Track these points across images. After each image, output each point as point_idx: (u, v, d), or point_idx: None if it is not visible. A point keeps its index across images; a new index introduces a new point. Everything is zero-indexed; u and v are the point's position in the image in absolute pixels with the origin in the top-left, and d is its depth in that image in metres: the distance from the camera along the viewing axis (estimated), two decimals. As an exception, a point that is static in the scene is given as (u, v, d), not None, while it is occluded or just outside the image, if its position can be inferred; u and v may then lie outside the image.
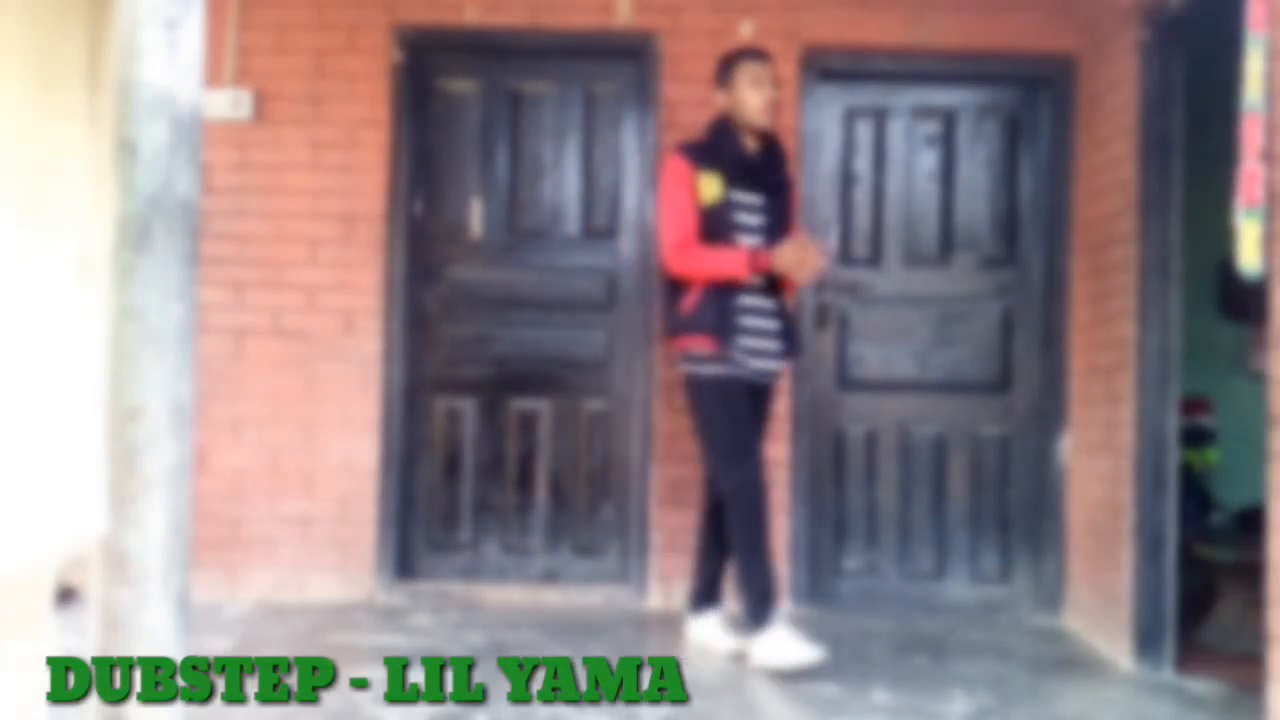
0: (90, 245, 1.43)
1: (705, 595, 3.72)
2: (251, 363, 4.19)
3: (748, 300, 3.49)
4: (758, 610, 3.38)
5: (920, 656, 3.63)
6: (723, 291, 3.46)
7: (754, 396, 3.54)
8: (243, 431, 4.19)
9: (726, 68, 3.59)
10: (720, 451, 3.46)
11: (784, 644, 3.33)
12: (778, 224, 3.57)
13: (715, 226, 3.49)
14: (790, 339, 3.61)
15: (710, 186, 3.50)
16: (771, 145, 3.62)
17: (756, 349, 3.50)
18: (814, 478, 4.29)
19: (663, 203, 3.56)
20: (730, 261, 3.44)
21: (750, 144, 3.57)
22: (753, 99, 3.53)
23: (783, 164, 3.63)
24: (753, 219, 3.53)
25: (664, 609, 4.17)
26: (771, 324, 3.55)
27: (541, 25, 4.27)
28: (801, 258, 3.43)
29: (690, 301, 3.48)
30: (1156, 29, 3.56)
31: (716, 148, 3.55)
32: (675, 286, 3.55)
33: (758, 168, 3.55)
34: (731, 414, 3.46)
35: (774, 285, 3.56)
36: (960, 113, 4.37)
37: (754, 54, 3.61)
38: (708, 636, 3.66)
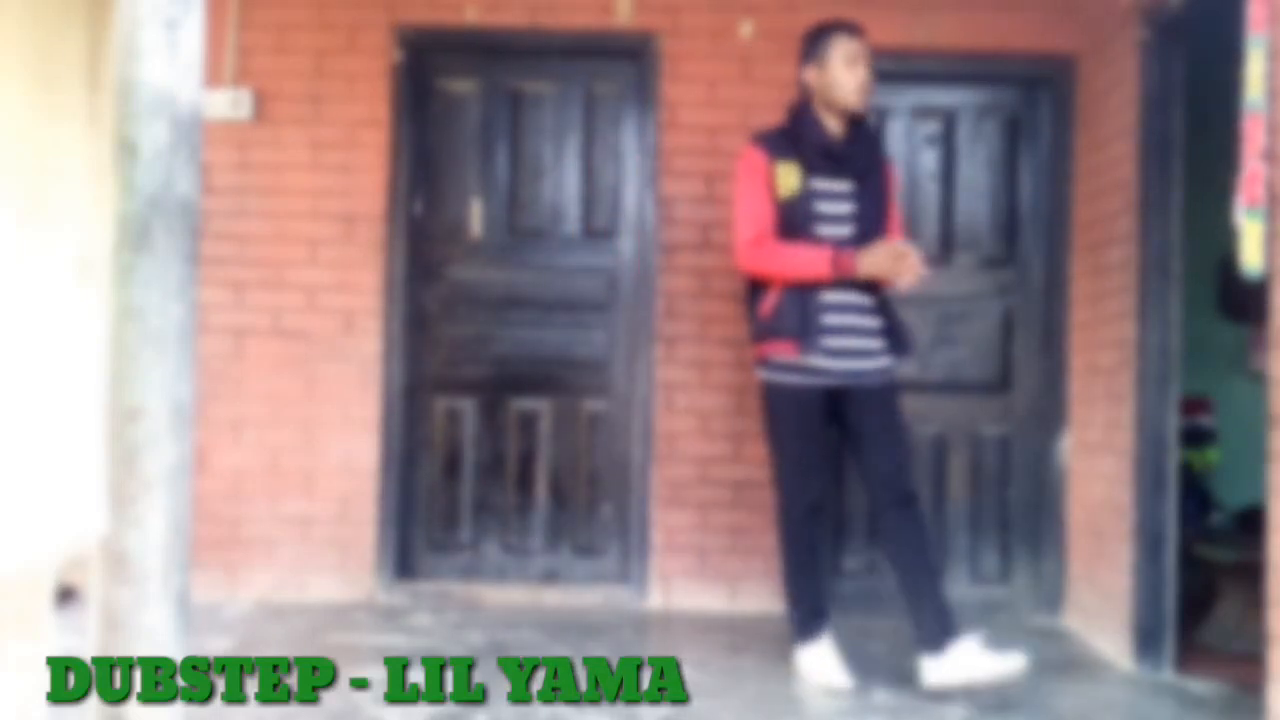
0: (90, 245, 1.43)
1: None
2: (251, 363, 4.19)
3: (834, 297, 3.22)
4: (794, 627, 3.34)
5: (920, 656, 3.62)
6: (805, 290, 3.19)
7: (856, 404, 3.26)
8: (243, 431, 4.19)
9: (816, 42, 3.32)
10: (782, 468, 3.31)
11: (816, 664, 3.28)
12: (870, 212, 3.28)
13: (796, 219, 3.23)
14: (895, 335, 3.31)
15: (789, 177, 3.24)
16: (862, 127, 3.34)
17: (847, 349, 3.23)
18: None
19: (736, 198, 3.32)
20: (812, 262, 3.18)
21: (835, 127, 3.30)
22: (848, 79, 3.25)
23: (874, 147, 3.37)
24: (840, 208, 3.26)
25: (664, 609, 4.17)
26: (868, 321, 3.27)
27: (541, 25, 4.27)
28: (895, 266, 3.16)
29: (769, 304, 3.24)
30: (1156, 29, 3.56)
31: (795, 134, 3.29)
32: (755, 288, 3.32)
33: (844, 153, 3.27)
34: (801, 430, 3.26)
35: (870, 281, 3.26)
36: (960, 113, 4.36)
37: (849, 28, 3.31)
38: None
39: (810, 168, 3.26)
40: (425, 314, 4.33)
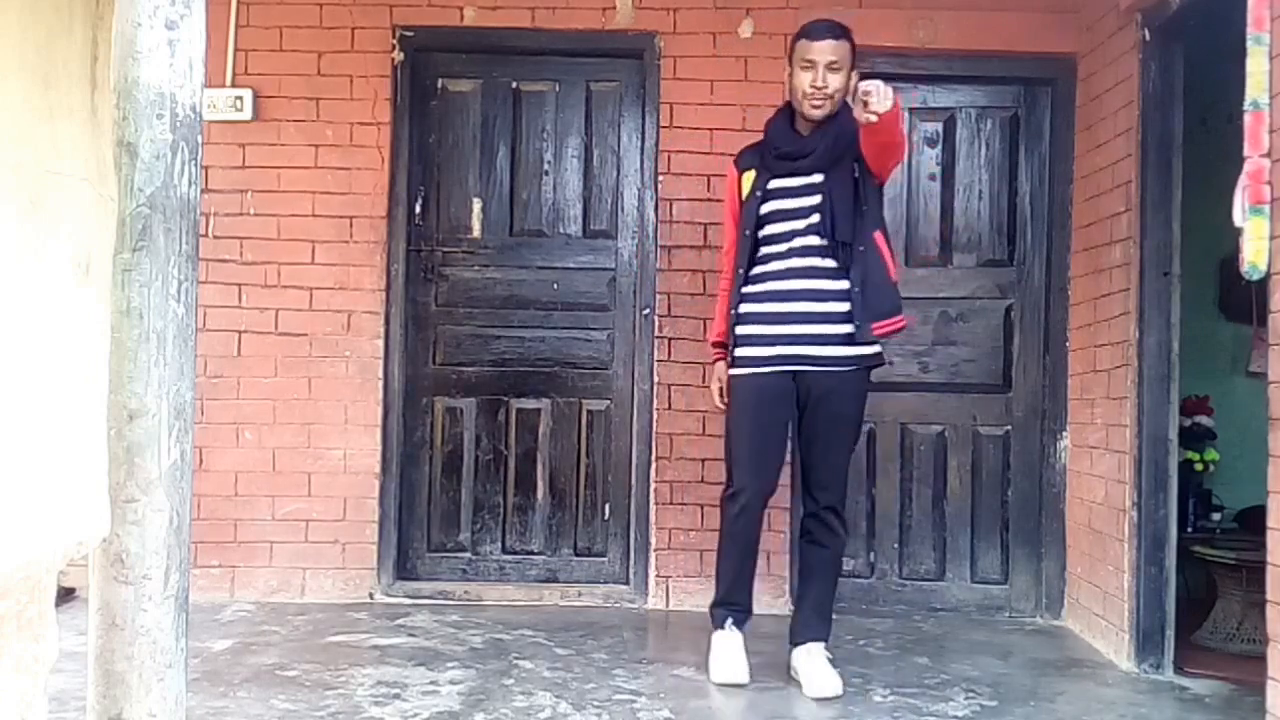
0: (90, 245, 1.42)
1: (806, 623, 3.32)
2: (251, 363, 4.19)
3: (784, 285, 3.22)
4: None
5: (920, 656, 3.63)
6: (744, 280, 3.27)
7: (808, 397, 3.22)
8: (243, 431, 4.18)
9: (791, 45, 3.30)
10: (726, 457, 3.37)
11: (714, 652, 3.31)
12: (837, 202, 3.18)
13: (748, 220, 3.28)
14: (861, 316, 3.17)
15: (748, 183, 3.31)
16: (832, 120, 3.22)
17: (784, 336, 3.21)
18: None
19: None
20: (713, 326, 3.48)
21: (804, 126, 3.25)
22: (800, 82, 3.21)
23: (838, 139, 3.19)
24: (802, 202, 3.22)
25: (664, 609, 4.16)
26: (827, 306, 3.20)
27: (541, 25, 4.26)
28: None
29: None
30: (1156, 29, 3.56)
31: (763, 140, 3.35)
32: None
33: (799, 149, 3.23)
34: (743, 422, 3.25)
35: (844, 256, 3.18)
36: (960, 113, 4.36)
37: (812, 32, 3.24)
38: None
39: (769, 169, 3.28)
40: (425, 314, 4.33)
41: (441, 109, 4.36)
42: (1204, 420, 4.69)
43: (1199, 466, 4.62)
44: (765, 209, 3.27)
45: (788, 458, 3.51)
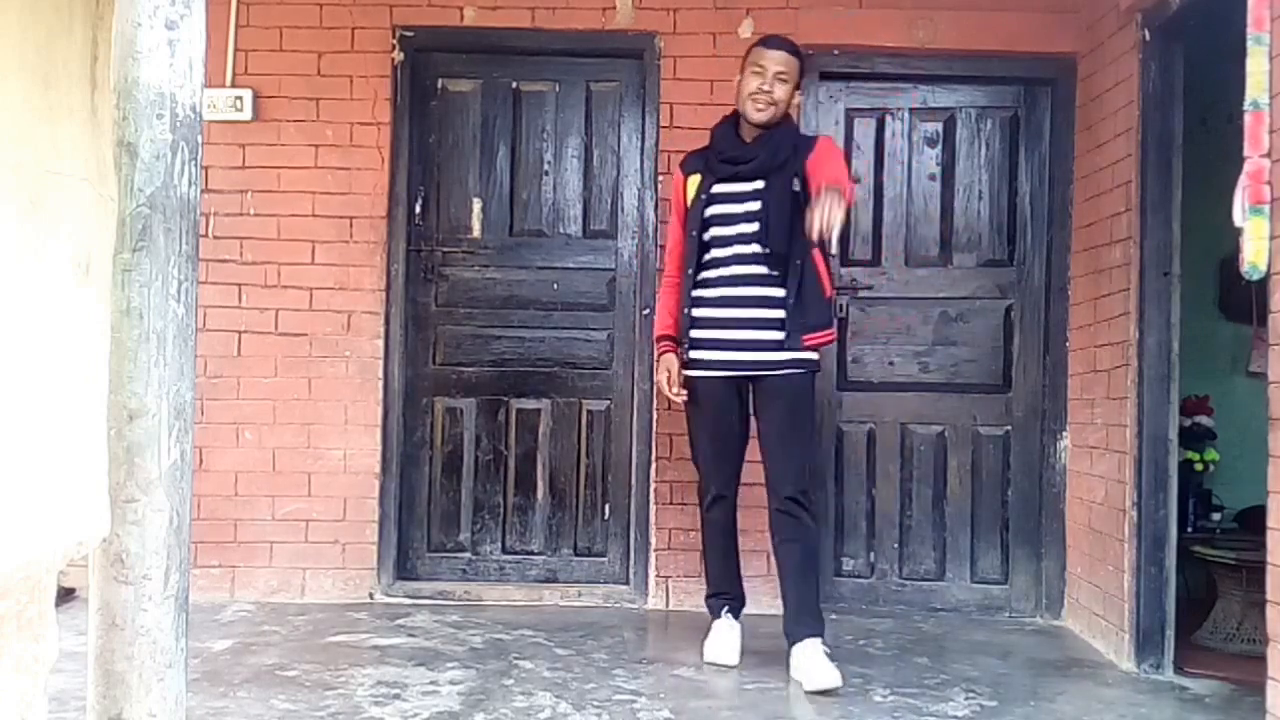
0: (90, 245, 1.42)
1: (796, 620, 3.36)
2: (251, 363, 4.19)
3: (723, 292, 3.36)
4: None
5: (920, 656, 3.63)
6: (687, 293, 3.41)
7: (759, 400, 3.39)
8: (243, 431, 4.18)
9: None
10: (692, 455, 3.56)
11: (710, 640, 3.47)
12: (775, 210, 3.30)
13: (692, 225, 3.42)
14: (795, 324, 3.29)
15: (692, 188, 3.46)
16: (777, 128, 3.39)
17: (737, 340, 3.34)
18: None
19: None
20: (657, 321, 3.56)
21: (750, 131, 3.40)
22: (745, 87, 3.38)
23: (781, 146, 3.35)
24: (744, 207, 3.35)
25: (664, 609, 4.16)
26: (767, 313, 3.31)
27: (541, 25, 4.26)
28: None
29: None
30: (1156, 29, 3.56)
31: (709, 145, 3.50)
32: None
33: (742, 155, 3.38)
34: (700, 421, 3.46)
35: (780, 265, 3.31)
36: (960, 113, 4.36)
37: (769, 41, 3.44)
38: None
39: (714, 174, 3.41)
40: (425, 314, 4.33)
41: (441, 109, 4.36)
42: (1204, 420, 4.68)
43: (1199, 466, 4.62)
44: (709, 212, 3.41)
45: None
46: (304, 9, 4.23)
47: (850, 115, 4.37)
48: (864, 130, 4.37)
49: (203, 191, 1.86)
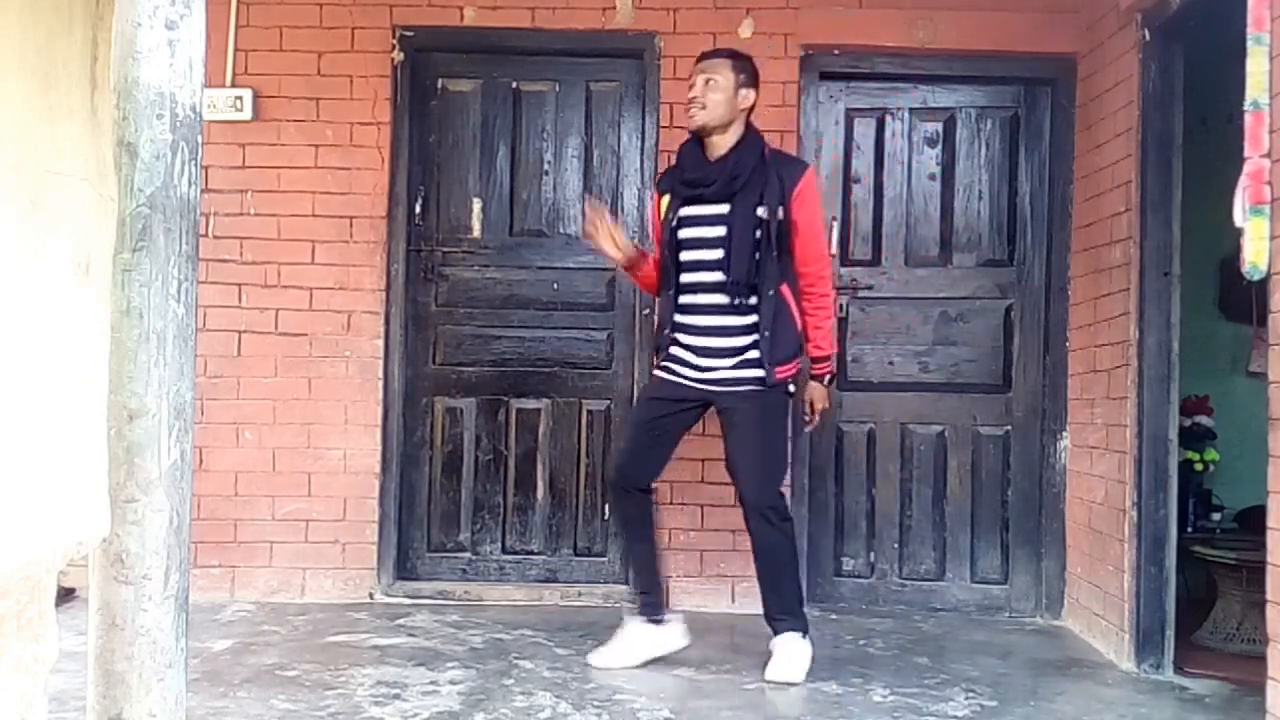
0: (90, 245, 1.42)
1: (774, 618, 3.43)
2: (251, 363, 4.19)
3: (695, 319, 3.36)
4: None
5: (920, 656, 3.63)
6: (664, 308, 3.44)
7: (721, 416, 3.38)
8: (243, 431, 4.18)
9: None
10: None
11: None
12: (738, 235, 3.27)
13: (667, 247, 3.40)
14: (768, 353, 3.28)
15: (664, 207, 3.43)
16: (739, 149, 3.34)
17: (704, 363, 3.35)
18: (814, 478, 4.28)
19: None
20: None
21: (712, 152, 3.36)
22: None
23: (741, 169, 3.31)
24: (713, 231, 3.31)
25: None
26: (735, 341, 3.30)
27: (541, 25, 4.26)
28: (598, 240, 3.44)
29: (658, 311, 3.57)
30: (1156, 29, 3.56)
31: (676, 164, 3.49)
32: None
33: (700, 178, 3.34)
34: (640, 417, 3.50)
35: (744, 294, 3.30)
36: (960, 113, 4.36)
37: (708, 53, 3.47)
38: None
39: (680, 196, 3.39)
40: (425, 314, 4.33)
41: (441, 109, 4.36)
42: (1204, 420, 4.68)
43: (1199, 466, 4.62)
44: (681, 235, 3.38)
45: (672, 460, 3.58)
46: (304, 9, 4.23)
47: (850, 115, 4.37)
48: (864, 130, 4.37)
49: (203, 191, 1.86)
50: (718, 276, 3.30)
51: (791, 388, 3.38)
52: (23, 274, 1.28)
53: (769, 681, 3.24)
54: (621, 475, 3.43)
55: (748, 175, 3.30)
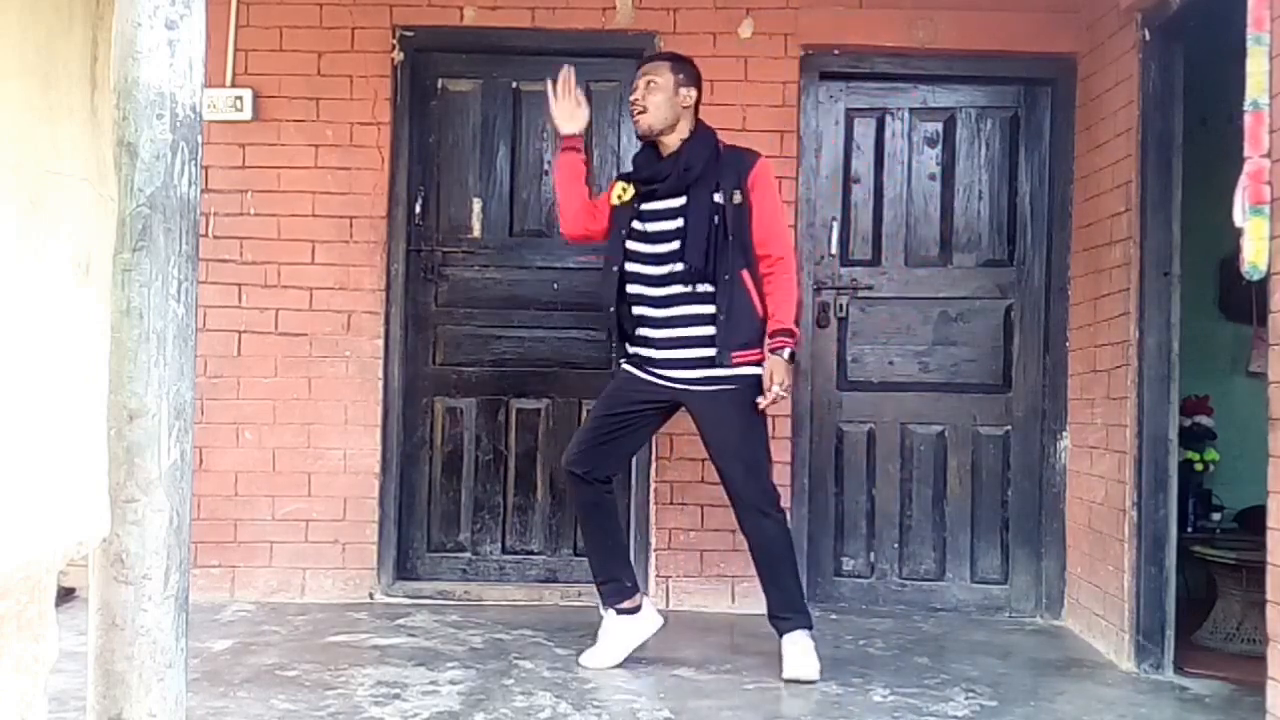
0: (90, 245, 1.42)
1: (780, 615, 3.44)
2: (251, 363, 4.19)
3: (658, 312, 3.37)
4: None
5: (920, 656, 3.63)
6: (628, 303, 3.42)
7: (695, 415, 3.38)
8: (243, 431, 4.18)
9: None
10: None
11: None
12: (692, 228, 3.29)
13: (615, 230, 3.44)
14: (720, 343, 3.28)
15: (624, 192, 3.45)
16: (690, 145, 3.38)
17: (670, 359, 3.36)
18: (814, 478, 4.28)
19: None
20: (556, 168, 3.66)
21: (666, 151, 3.41)
22: None
23: (698, 159, 3.34)
24: (669, 225, 3.35)
25: (664, 609, 4.15)
26: (698, 330, 3.31)
27: (541, 25, 4.26)
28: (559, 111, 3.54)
29: None
30: (1156, 29, 3.56)
31: (630, 170, 3.55)
32: None
33: (652, 174, 3.40)
34: (601, 409, 3.47)
35: (704, 281, 3.31)
36: (960, 113, 4.36)
37: (640, 59, 3.59)
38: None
39: (639, 190, 3.43)
40: (425, 314, 4.33)
41: (441, 109, 4.36)
42: (1204, 420, 4.68)
43: (1199, 466, 4.62)
44: (642, 229, 3.40)
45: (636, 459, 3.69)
46: (304, 9, 4.22)
47: (850, 115, 4.37)
48: (864, 130, 4.37)
49: (203, 191, 1.86)
50: (677, 267, 3.32)
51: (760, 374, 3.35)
52: (23, 274, 1.28)
53: (787, 681, 3.22)
54: (575, 464, 3.39)
55: (701, 166, 3.34)
